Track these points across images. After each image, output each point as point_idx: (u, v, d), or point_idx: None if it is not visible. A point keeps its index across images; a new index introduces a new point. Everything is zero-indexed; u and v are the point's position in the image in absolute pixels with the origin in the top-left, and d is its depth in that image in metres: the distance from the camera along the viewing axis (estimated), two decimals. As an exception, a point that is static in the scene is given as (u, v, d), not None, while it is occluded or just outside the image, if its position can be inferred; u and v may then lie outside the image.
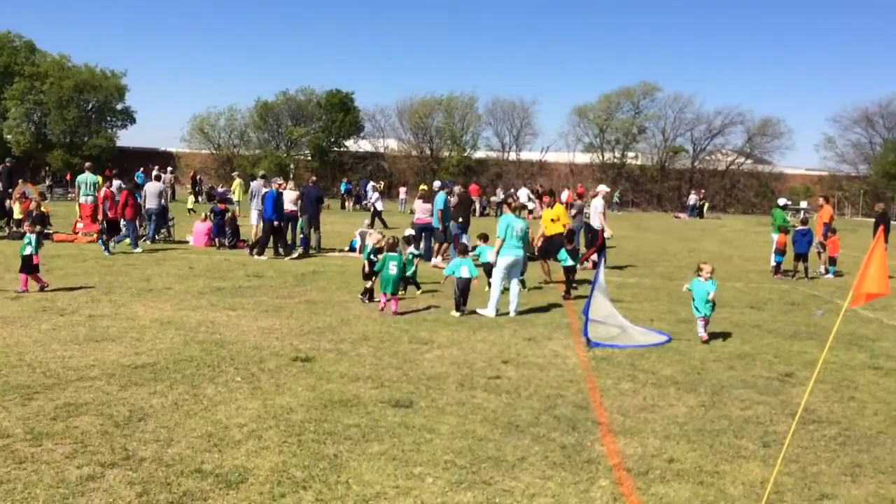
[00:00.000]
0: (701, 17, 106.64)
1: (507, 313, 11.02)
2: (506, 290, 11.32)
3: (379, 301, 11.27)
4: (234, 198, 28.29)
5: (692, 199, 48.02)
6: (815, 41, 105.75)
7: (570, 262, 13.07)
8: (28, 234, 11.65)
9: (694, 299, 9.79)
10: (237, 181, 30.38)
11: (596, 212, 16.77)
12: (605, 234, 16.82)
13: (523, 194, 41.08)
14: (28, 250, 11.34)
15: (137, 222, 18.10)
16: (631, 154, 58.81)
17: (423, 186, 20.71)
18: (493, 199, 42.28)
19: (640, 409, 6.74)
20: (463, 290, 11.07)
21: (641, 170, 57.83)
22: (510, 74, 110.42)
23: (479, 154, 59.55)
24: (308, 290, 12.77)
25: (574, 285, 13.22)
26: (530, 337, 9.61)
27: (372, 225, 24.27)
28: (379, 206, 28.39)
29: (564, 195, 41.35)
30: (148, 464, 5.06)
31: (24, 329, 8.91)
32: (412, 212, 21.12)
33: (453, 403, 6.70)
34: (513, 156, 60.11)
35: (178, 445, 5.40)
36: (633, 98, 57.84)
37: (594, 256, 17.48)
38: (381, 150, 60.28)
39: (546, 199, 16.81)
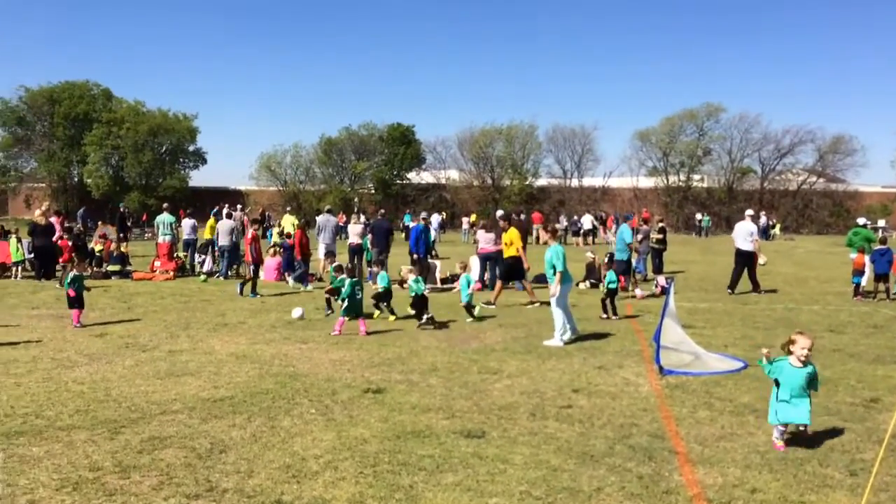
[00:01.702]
0: (763, 34, 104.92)
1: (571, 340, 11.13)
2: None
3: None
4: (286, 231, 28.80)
5: (762, 220, 46.83)
6: (885, 54, 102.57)
7: (614, 286, 13.50)
8: (71, 272, 12.40)
9: (777, 389, 6.43)
10: (288, 217, 30.94)
11: (750, 237, 17.03)
12: (760, 261, 16.94)
13: (587, 220, 40.80)
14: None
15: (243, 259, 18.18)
16: (696, 177, 57.89)
17: (472, 217, 20.87)
18: (556, 226, 42.09)
19: (719, 438, 6.58)
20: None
21: (708, 192, 56.87)
22: (569, 101, 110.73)
23: (541, 182, 59.54)
24: (376, 322, 12.93)
25: (614, 309, 13.45)
26: (601, 365, 9.51)
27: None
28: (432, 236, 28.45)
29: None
30: (230, 495, 5.20)
31: (109, 365, 9.28)
32: (475, 241, 21.21)
33: (525, 433, 6.68)
34: (575, 182, 59.84)
35: (258, 477, 5.54)
36: (697, 120, 57.12)
37: (662, 281, 17.22)
38: (443, 181, 60.85)
39: (504, 223, 16.96)
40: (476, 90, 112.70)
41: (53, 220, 21.07)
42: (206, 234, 22.26)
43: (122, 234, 22.26)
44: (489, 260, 17.72)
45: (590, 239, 38.97)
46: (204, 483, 5.40)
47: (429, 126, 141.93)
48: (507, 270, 15.67)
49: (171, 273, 20.07)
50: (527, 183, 57.76)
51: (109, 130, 54.35)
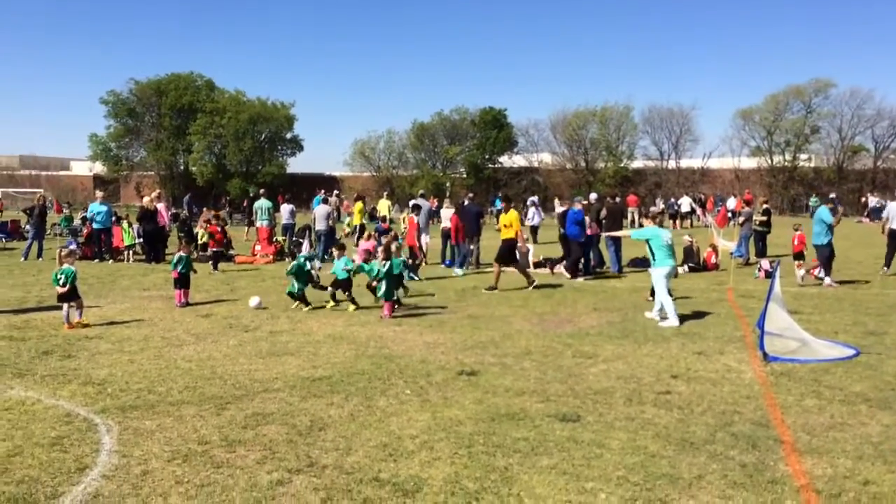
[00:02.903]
0: (876, 3, 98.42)
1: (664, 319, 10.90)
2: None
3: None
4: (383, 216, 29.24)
5: (873, 201, 44.23)
6: None
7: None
8: (177, 254, 13.02)
9: None
10: (383, 201, 31.35)
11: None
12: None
13: (685, 203, 39.62)
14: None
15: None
16: (803, 156, 55.19)
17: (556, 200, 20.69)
18: (652, 209, 41.03)
19: (828, 428, 6.27)
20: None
21: (816, 172, 54.15)
22: (666, 80, 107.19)
23: (637, 164, 58.14)
24: (469, 305, 12.98)
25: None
26: (700, 351, 9.22)
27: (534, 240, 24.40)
28: (535, 221, 28.24)
29: (732, 203, 39.46)
30: (330, 471, 5.33)
31: (214, 344, 9.68)
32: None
33: (622, 418, 6.56)
34: (672, 164, 58.16)
35: (356, 454, 5.66)
36: (804, 97, 54.38)
37: (766, 265, 16.54)
38: (536, 164, 60.32)
39: (504, 204, 16.90)
40: (569, 72, 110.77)
41: (161, 206, 22.08)
42: (356, 221, 23.53)
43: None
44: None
45: (688, 222, 37.84)
46: (304, 458, 5.56)
47: (521, 109, 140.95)
48: (503, 253, 15.30)
49: (271, 257, 20.72)
50: (622, 165, 56.52)
51: (212, 120, 56.46)
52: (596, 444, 5.89)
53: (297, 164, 65.05)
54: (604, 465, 5.44)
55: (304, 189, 46.31)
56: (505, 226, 15.46)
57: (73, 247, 18.21)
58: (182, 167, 60.68)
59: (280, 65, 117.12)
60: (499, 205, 42.89)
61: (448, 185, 52.86)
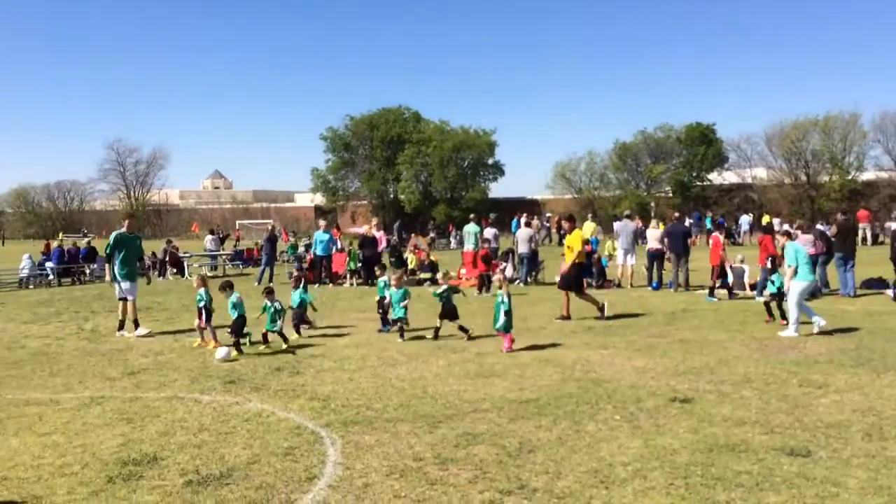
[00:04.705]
0: None
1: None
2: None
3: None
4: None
5: None
6: None
7: (773, 290, 12.81)
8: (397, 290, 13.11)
9: None
10: (588, 223, 30.84)
11: None
12: None
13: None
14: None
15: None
16: None
17: (765, 217, 19.15)
18: (887, 224, 37.07)
19: None
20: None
21: None
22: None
23: (867, 175, 52.87)
24: (680, 328, 12.43)
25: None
26: (955, 383, 8.13)
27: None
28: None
29: None
30: (541, 494, 5.31)
31: (425, 364, 10.05)
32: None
33: (860, 455, 5.93)
34: (909, 174, 52.28)
35: (566, 479, 5.59)
36: None
37: None
38: (749, 180, 56.85)
39: (567, 225, 14.99)
40: (784, 80, 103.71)
41: (380, 234, 23.47)
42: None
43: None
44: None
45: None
46: (515, 480, 5.58)
47: (731, 123, 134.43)
48: (572, 278, 13.90)
49: (475, 280, 21.17)
50: (849, 178, 51.64)
51: (419, 149, 59.31)
52: (830, 481, 5.37)
53: (498, 189, 66.34)
54: (841, 506, 4.95)
55: (507, 213, 46.92)
56: (568, 247, 14.13)
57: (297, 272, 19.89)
58: (392, 195, 64.11)
59: (481, 94, 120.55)
60: (708, 223, 40.95)
61: (653, 204, 51.22)
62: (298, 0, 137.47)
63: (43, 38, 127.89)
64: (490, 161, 61.82)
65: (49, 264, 25.79)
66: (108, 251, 13.58)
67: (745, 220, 37.53)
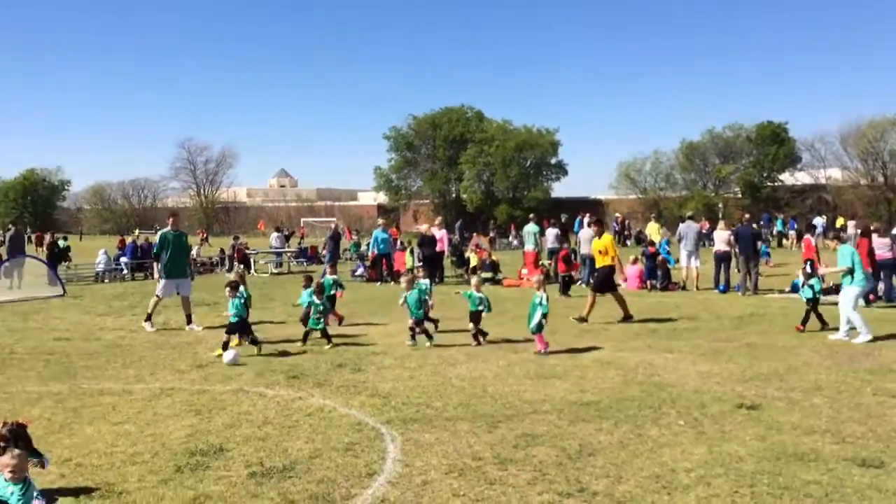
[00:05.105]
0: None
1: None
2: None
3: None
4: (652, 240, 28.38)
5: None
6: None
7: (809, 295, 12.51)
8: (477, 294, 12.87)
9: None
10: (652, 224, 30.32)
11: None
12: None
13: None
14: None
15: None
16: None
17: (840, 220, 18.49)
18: (843, 234, 35.20)
19: None
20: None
21: None
22: None
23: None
24: (747, 333, 12.13)
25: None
26: None
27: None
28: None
29: None
30: (601, 498, 5.25)
31: (485, 364, 10.05)
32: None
33: (939, 469, 5.68)
34: None
35: (627, 483, 5.52)
36: None
37: None
38: (823, 180, 55.02)
39: (596, 228, 15.13)
40: (861, 78, 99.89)
41: (441, 233, 23.53)
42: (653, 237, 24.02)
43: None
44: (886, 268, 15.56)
45: None
46: (574, 483, 5.54)
47: (805, 122, 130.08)
48: (601, 282, 13.99)
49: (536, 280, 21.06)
50: (931, 178, 49.53)
51: (481, 149, 59.24)
52: (906, 496, 5.16)
53: (561, 189, 65.91)
54: (917, 521, 4.75)
55: (569, 213, 46.49)
56: (599, 252, 14.22)
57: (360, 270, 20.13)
58: (454, 195, 64.20)
59: (545, 92, 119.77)
60: (780, 226, 39.77)
61: (721, 205, 50.03)
62: (361, 2, 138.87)
63: (123, 39, 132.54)
64: (553, 161, 61.34)
65: (123, 259, 26.71)
66: (156, 250, 14.05)
67: (819, 221, 36.26)
